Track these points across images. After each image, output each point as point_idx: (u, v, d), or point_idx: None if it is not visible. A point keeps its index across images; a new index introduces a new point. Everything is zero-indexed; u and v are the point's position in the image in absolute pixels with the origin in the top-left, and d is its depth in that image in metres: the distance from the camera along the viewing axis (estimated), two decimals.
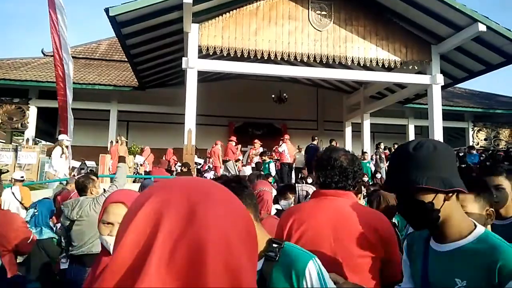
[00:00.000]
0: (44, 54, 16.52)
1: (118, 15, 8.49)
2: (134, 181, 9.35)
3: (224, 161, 10.99)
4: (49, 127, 16.00)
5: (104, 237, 1.44)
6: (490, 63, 11.19)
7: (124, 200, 1.44)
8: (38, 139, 17.58)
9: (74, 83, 12.02)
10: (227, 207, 0.43)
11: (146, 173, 10.06)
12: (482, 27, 9.64)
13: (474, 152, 11.11)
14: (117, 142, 10.41)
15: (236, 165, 11.62)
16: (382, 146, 12.64)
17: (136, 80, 13.18)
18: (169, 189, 0.43)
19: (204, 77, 13.11)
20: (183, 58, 9.88)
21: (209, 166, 11.94)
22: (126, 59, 12.26)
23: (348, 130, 16.21)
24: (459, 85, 15.00)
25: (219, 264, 0.38)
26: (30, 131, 13.34)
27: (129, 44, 10.04)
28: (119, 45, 11.04)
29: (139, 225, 0.40)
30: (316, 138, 12.21)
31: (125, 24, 8.99)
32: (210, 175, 10.29)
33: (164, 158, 11.45)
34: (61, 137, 8.30)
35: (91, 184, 3.21)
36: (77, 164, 9.20)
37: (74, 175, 9.27)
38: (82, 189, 3.16)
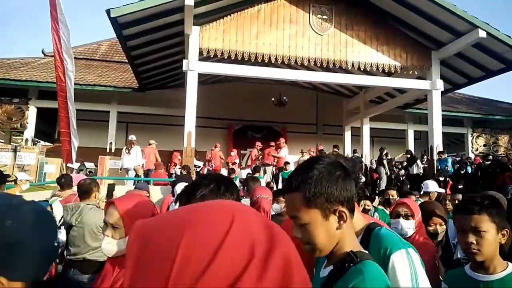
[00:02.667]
0: (44, 54, 16.51)
1: (120, 17, 8.49)
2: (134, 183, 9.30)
3: (264, 165, 11.00)
4: (48, 128, 15.98)
5: (102, 243, 1.47)
6: (490, 69, 11.22)
7: (115, 201, 1.50)
8: (37, 140, 17.55)
9: (74, 84, 12.05)
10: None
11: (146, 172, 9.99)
12: (482, 34, 9.68)
13: (444, 156, 10.75)
14: (149, 144, 10.64)
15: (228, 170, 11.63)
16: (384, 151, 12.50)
17: (136, 81, 13.16)
18: (246, 214, 0.49)
19: (204, 80, 13.11)
20: (184, 61, 9.89)
21: (208, 169, 11.93)
22: (126, 61, 12.25)
23: (348, 135, 16.23)
24: (458, 91, 15.04)
25: (302, 273, 0.48)
26: (29, 131, 13.29)
27: (130, 45, 10.04)
28: (120, 46, 11.04)
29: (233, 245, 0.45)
30: (337, 146, 12.09)
31: (126, 26, 8.99)
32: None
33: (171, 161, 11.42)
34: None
35: (96, 188, 3.20)
36: (76, 165, 9.16)
37: (73, 175, 9.26)
38: (86, 192, 3.14)
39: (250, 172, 10.39)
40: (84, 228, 2.87)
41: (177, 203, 1.30)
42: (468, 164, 11.30)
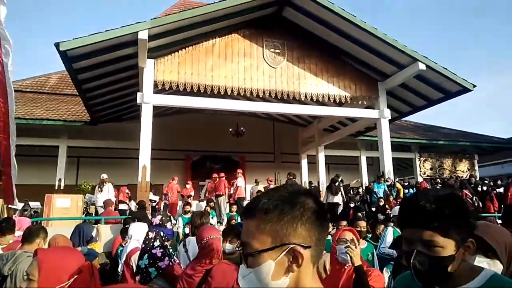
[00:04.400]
0: None
1: (69, 50, 8.27)
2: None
3: (217, 196, 10.72)
4: None
5: None
6: (431, 98, 12.09)
7: (39, 251, 1.42)
8: None
9: (19, 118, 11.38)
10: None
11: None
12: (422, 66, 10.48)
13: (382, 181, 11.37)
14: (172, 180, 12.01)
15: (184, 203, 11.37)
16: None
17: (88, 114, 12.72)
18: None
19: (161, 111, 12.96)
20: (138, 93, 9.74)
21: (165, 203, 11.58)
22: (78, 93, 11.87)
23: (304, 162, 16.56)
24: (404, 118, 16.00)
25: None
26: None
27: (81, 78, 9.75)
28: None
29: None
30: (293, 174, 11.99)
31: (77, 59, 8.76)
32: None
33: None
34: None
35: (42, 235, 2.96)
36: (19, 205, 8.50)
37: (15, 217, 8.58)
38: (28, 238, 2.88)
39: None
40: (17, 278, 2.61)
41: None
42: (413, 188, 11.83)
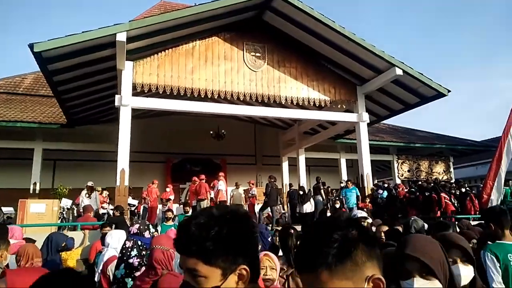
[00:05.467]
0: None
1: (44, 51, 8.06)
2: (59, 229, 8.56)
3: (199, 200, 10.59)
4: None
5: None
6: (408, 102, 12.37)
7: (8, 272, 1.35)
8: None
9: None
10: None
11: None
12: (399, 71, 10.72)
13: (351, 185, 11.79)
14: (152, 183, 11.89)
15: (167, 205, 11.25)
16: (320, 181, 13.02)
17: (64, 117, 12.42)
18: None
19: (140, 114, 12.79)
20: (116, 96, 9.58)
21: (144, 207, 11.42)
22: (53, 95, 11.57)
23: (285, 165, 16.65)
24: (383, 121, 16.31)
25: None
26: None
27: (57, 80, 9.52)
28: None
29: None
30: (273, 177, 11.96)
31: (52, 60, 8.54)
32: None
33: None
34: None
35: (3, 246, 2.86)
36: None
37: None
38: None
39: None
40: None
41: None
42: (385, 190, 12.07)
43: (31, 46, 7.84)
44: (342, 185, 12.49)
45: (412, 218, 3.57)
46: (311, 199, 11.21)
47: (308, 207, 11.00)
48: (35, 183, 12.87)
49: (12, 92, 16.02)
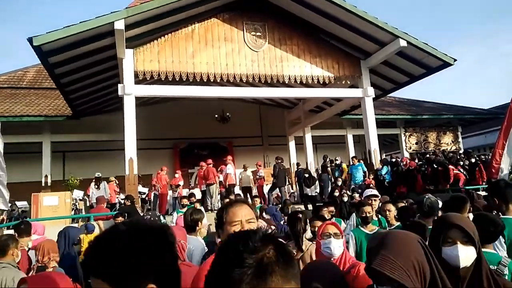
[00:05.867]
0: None
1: (44, 44, 8.02)
2: (73, 221, 8.72)
3: (208, 185, 10.67)
4: None
5: None
6: (413, 74, 12.17)
7: (28, 280, 1.37)
8: None
9: None
10: None
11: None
12: (403, 43, 10.49)
13: (357, 162, 11.62)
14: (161, 170, 11.77)
15: (177, 191, 11.36)
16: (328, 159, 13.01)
17: (69, 109, 12.47)
18: None
19: (144, 101, 12.79)
20: (119, 85, 9.56)
21: (155, 194, 11.55)
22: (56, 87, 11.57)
23: (292, 144, 16.63)
24: (389, 95, 16.10)
25: None
26: None
27: (59, 73, 9.51)
28: None
29: None
30: (280, 158, 11.93)
31: (53, 53, 8.51)
32: None
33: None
34: None
35: (13, 244, 2.93)
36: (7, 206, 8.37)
37: (3, 219, 8.50)
38: (2, 250, 2.86)
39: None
40: None
41: None
42: (389, 165, 11.88)
43: (30, 40, 7.80)
44: (338, 162, 12.44)
45: (426, 196, 3.46)
46: (317, 182, 11.19)
47: (313, 190, 11.00)
48: (46, 176, 13.06)
49: (16, 87, 16.08)
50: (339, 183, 10.70)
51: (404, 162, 11.52)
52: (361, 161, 12.13)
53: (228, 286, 0.73)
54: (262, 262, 0.74)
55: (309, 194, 10.89)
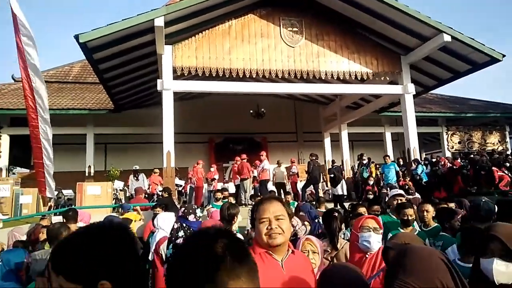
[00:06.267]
0: (14, 80, 16.14)
1: (89, 41, 8.41)
2: (113, 210, 9.14)
3: (242, 179, 10.89)
4: (24, 154, 15.57)
5: None
6: (458, 70, 11.60)
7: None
8: (13, 166, 17.07)
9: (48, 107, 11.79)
10: None
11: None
12: (447, 38, 10.02)
13: (389, 161, 10.97)
14: (197, 164, 12.00)
15: (212, 185, 11.56)
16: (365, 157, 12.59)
17: (111, 102, 13.01)
18: None
19: (182, 96, 13.09)
20: (158, 80, 9.85)
21: (191, 187, 11.84)
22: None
23: (327, 141, 16.41)
24: (431, 92, 15.45)
25: None
26: (3, 161, 12.92)
27: (102, 68, 9.94)
28: None
29: None
30: (315, 155, 11.52)
31: (97, 50, 8.91)
32: None
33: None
34: None
35: (66, 232, 3.11)
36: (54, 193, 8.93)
37: (51, 206, 9.05)
38: (55, 237, 3.05)
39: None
40: None
41: None
42: (429, 165, 11.35)
43: (76, 37, 8.21)
44: (365, 162, 11.88)
45: (483, 200, 3.19)
46: (343, 181, 10.96)
47: (340, 189, 10.78)
48: (89, 166, 13.75)
49: (62, 81, 16.98)
50: (371, 182, 10.42)
51: (442, 162, 11.03)
52: (400, 159, 11.77)
53: (183, 282, 0.76)
54: (210, 259, 0.76)
55: (335, 193, 10.80)
